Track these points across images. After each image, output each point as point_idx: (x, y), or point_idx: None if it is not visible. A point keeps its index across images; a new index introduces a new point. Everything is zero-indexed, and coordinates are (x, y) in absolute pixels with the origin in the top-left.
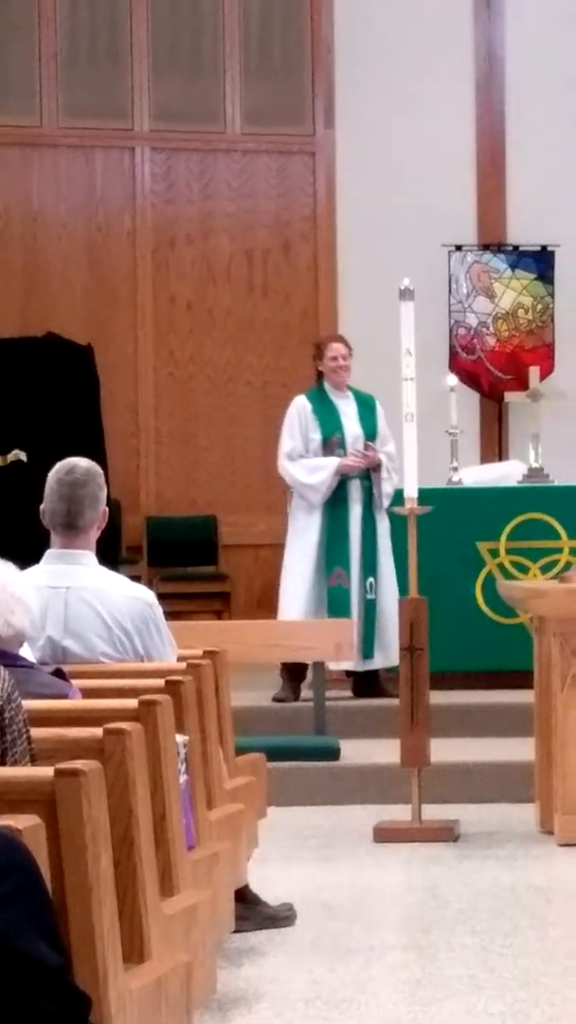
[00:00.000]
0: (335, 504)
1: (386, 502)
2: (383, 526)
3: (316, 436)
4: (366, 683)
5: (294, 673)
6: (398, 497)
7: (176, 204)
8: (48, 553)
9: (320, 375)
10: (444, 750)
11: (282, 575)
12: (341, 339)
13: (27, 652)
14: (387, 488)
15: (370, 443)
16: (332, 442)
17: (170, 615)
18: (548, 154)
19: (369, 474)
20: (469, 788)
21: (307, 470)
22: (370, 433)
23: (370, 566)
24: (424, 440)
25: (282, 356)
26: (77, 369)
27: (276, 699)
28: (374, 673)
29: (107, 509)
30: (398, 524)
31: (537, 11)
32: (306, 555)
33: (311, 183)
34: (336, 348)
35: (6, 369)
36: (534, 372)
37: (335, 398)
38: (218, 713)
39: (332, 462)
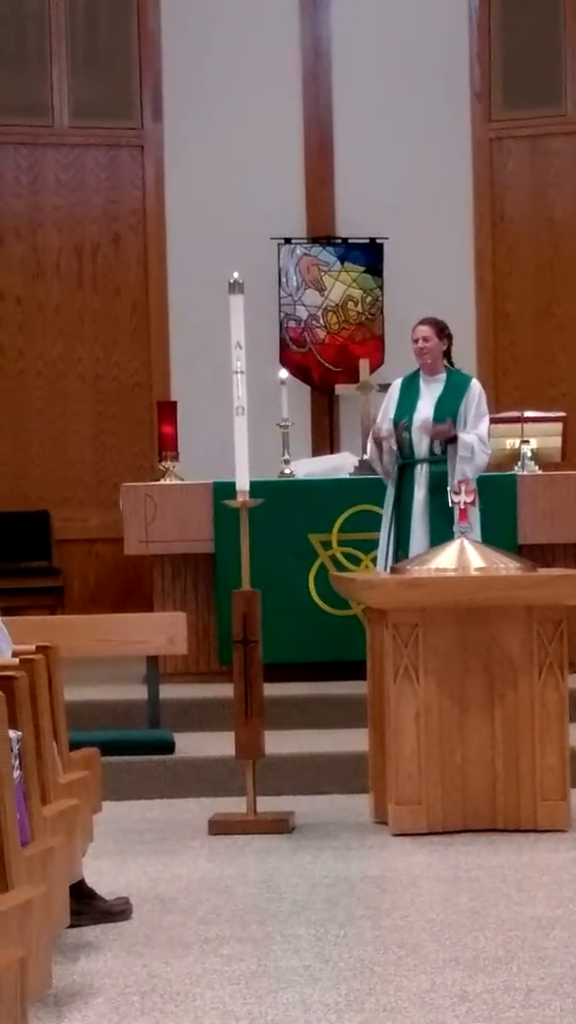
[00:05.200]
0: (401, 489)
1: (458, 481)
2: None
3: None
4: None
5: None
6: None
7: (4, 198)
8: None
9: None
10: (278, 742)
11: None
12: (428, 321)
13: None
14: (465, 468)
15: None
16: (399, 426)
17: (3, 610)
18: (376, 147)
19: (437, 458)
20: (303, 780)
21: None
22: (441, 416)
23: None
24: (255, 433)
25: (113, 350)
26: None
27: None
28: None
29: None
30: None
31: (363, 4)
32: (383, 540)
33: (140, 177)
34: (418, 331)
35: None
36: (364, 364)
37: (423, 381)
38: (51, 708)
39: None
